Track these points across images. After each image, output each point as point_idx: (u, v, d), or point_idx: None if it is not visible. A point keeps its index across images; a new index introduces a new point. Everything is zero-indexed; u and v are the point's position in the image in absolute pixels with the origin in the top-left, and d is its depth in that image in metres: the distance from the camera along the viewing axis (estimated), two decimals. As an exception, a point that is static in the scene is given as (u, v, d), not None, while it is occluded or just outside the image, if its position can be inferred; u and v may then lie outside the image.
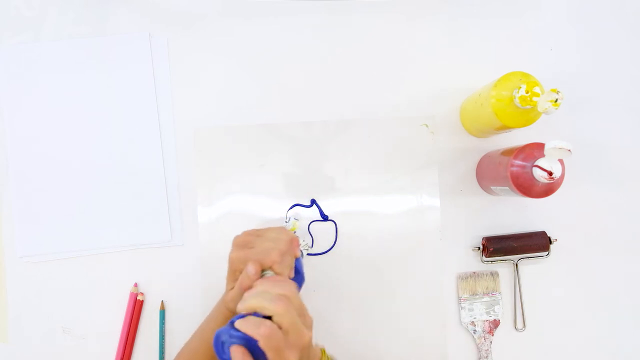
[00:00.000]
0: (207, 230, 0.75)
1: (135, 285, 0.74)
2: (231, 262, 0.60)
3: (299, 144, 0.76)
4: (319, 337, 0.75)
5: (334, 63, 0.77)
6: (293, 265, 0.61)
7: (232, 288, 0.60)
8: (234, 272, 0.60)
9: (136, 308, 0.74)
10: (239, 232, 0.76)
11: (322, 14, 0.77)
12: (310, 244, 0.74)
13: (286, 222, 0.75)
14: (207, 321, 0.65)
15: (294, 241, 0.61)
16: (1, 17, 0.76)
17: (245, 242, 0.61)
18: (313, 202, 0.75)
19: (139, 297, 0.74)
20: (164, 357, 0.74)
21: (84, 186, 0.75)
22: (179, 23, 0.77)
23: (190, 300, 0.74)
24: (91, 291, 0.75)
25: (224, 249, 0.75)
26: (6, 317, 0.74)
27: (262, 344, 0.48)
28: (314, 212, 0.75)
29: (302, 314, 0.52)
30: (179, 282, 0.75)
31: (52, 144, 0.75)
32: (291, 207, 0.75)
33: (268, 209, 0.75)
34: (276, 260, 0.57)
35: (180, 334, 0.74)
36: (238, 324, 0.49)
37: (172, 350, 0.74)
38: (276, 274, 0.58)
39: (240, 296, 0.56)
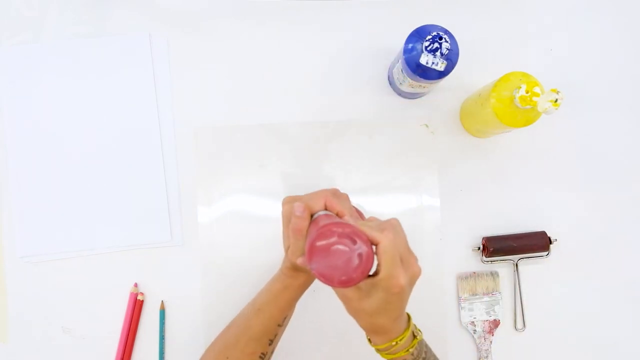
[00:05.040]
0: (207, 230, 0.75)
1: (135, 285, 0.74)
2: (284, 216, 0.56)
3: (299, 144, 0.76)
4: (319, 337, 0.75)
5: (334, 63, 0.77)
6: (353, 208, 0.56)
7: (289, 247, 0.56)
8: (288, 227, 0.55)
9: (136, 308, 0.74)
10: (239, 232, 0.76)
11: (321, 15, 0.77)
12: None
13: None
14: (262, 291, 0.63)
15: (338, 191, 0.56)
16: (1, 17, 0.76)
17: (293, 197, 0.57)
18: (313, 202, 0.75)
19: (139, 297, 0.74)
20: (164, 357, 0.74)
21: (84, 186, 0.75)
22: (179, 23, 0.77)
23: (190, 300, 0.74)
24: (91, 291, 0.75)
25: (224, 249, 0.75)
26: (6, 317, 0.74)
27: (383, 246, 0.45)
28: (314, 212, 0.75)
29: (408, 247, 0.49)
30: (179, 282, 0.75)
31: (52, 144, 0.75)
32: (291, 207, 0.75)
33: (268, 209, 0.75)
34: (328, 195, 0.53)
35: (181, 333, 0.74)
36: (359, 224, 0.45)
37: (172, 350, 0.74)
38: (335, 213, 0.53)
39: (300, 243, 0.52)
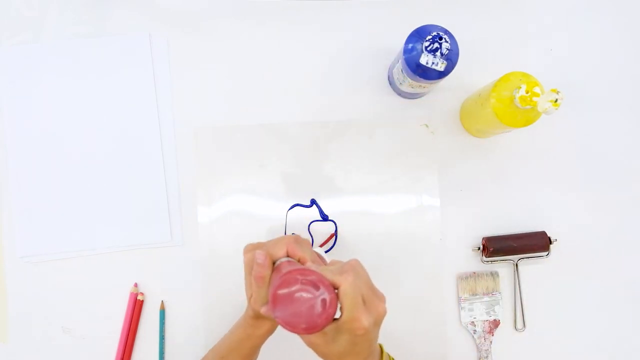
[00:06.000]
0: (207, 230, 0.75)
1: (135, 285, 0.74)
2: (245, 265, 0.56)
3: (299, 144, 0.76)
4: None
5: (334, 63, 0.77)
6: (314, 254, 0.56)
7: (251, 295, 0.56)
8: (250, 276, 0.55)
9: (136, 308, 0.74)
10: (239, 232, 0.76)
11: (321, 15, 0.77)
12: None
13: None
14: (225, 338, 0.63)
15: (299, 237, 0.57)
16: (1, 17, 0.76)
17: (254, 245, 0.57)
18: (313, 202, 0.75)
19: (139, 297, 0.74)
20: (164, 357, 0.74)
21: (84, 186, 0.75)
22: (179, 23, 0.77)
23: (190, 300, 0.74)
24: (91, 291, 0.75)
25: (224, 249, 0.75)
26: (6, 317, 0.74)
27: (343, 289, 0.45)
28: (314, 212, 0.75)
29: (372, 288, 0.49)
30: (179, 282, 0.75)
31: (52, 144, 0.75)
32: (291, 207, 0.75)
33: (268, 209, 0.75)
34: (290, 242, 0.53)
35: (180, 333, 0.74)
36: (320, 269, 0.46)
37: (172, 350, 0.74)
38: (297, 259, 0.53)
39: (263, 291, 0.52)
